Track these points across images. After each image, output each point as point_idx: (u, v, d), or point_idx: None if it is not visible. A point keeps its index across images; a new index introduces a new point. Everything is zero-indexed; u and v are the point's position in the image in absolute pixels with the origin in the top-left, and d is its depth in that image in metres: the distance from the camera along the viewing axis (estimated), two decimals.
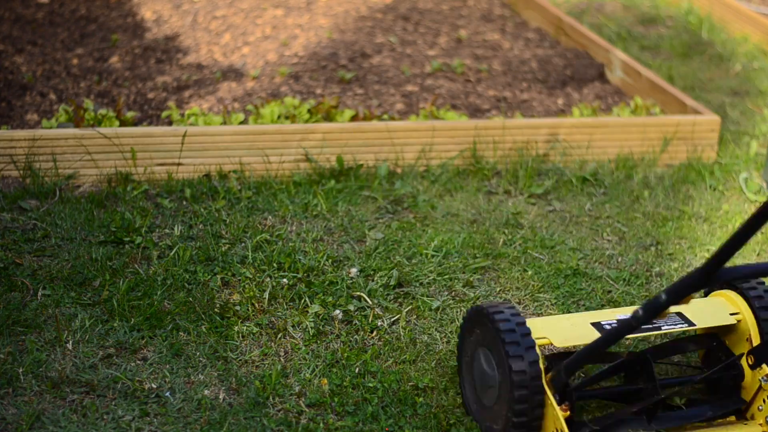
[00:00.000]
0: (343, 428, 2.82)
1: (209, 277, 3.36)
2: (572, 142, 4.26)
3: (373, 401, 2.91)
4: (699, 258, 3.71)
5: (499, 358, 2.68)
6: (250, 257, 3.45)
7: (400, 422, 2.85)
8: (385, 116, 4.30)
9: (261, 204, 3.79)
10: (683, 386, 2.87)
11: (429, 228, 3.74)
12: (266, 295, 3.28)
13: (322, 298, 3.30)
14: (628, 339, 3.14)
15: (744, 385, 2.84)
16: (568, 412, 2.66)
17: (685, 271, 3.63)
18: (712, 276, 2.30)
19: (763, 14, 6.02)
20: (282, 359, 3.06)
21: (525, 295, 3.42)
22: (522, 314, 3.03)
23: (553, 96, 4.74)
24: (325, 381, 2.96)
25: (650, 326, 2.77)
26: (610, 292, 3.47)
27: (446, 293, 3.40)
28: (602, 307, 3.39)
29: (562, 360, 2.72)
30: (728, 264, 2.45)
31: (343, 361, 3.05)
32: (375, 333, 3.19)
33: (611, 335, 2.57)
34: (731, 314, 2.86)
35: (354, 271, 3.44)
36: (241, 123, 4.20)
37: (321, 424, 2.82)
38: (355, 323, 3.22)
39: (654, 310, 2.42)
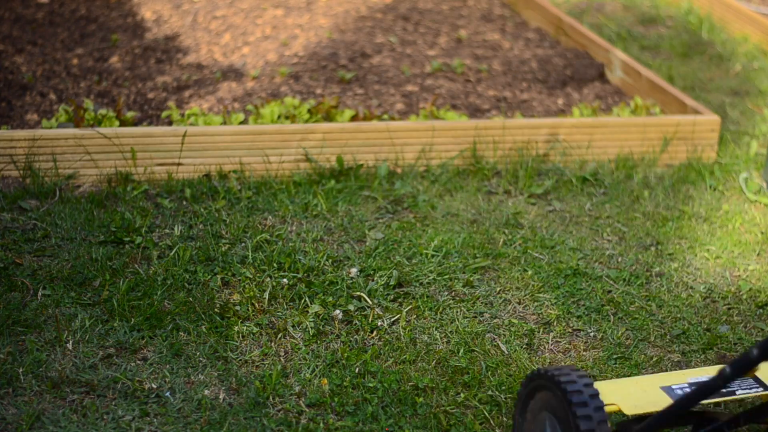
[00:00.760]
0: (343, 428, 2.82)
1: (209, 277, 3.36)
2: (572, 142, 4.26)
3: (373, 401, 2.91)
4: (699, 258, 3.71)
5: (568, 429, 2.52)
6: (250, 257, 3.45)
7: (400, 422, 2.85)
8: (385, 116, 4.30)
9: (261, 204, 3.79)
10: None
11: (429, 228, 3.74)
12: (266, 295, 3.28)
13: (322, 298, 3.30)
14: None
15: None
16: None
17: (685, 271, 3.63)
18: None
19: (763, 14, 6.02)
20: (282, 359, 3.06)
21: (525, 295, 3.42)
22: (589, 376, 2.76)
23: (553, 96, 4.74)
24: (325, 381, 2.96)
25: (724, 390, 2.63)
26: (610, 292, 3.47)
27: (446, 293, 3.40)
28: (602, 307, 3.39)
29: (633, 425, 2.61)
30: None
31: (343, 361, 3.05)
32: (375, 333, 3.19)
33: (692, 396, 2.41)
34: None
35: (354, 271, 3.44)
36: (241, 123, 4.20)
37: (321, 424, 2.82)
38: (355, 323, 3.22)
39: (744, 366, 2.25)
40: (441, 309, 3.31)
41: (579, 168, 4.22)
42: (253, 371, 3.00)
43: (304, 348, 3.10)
